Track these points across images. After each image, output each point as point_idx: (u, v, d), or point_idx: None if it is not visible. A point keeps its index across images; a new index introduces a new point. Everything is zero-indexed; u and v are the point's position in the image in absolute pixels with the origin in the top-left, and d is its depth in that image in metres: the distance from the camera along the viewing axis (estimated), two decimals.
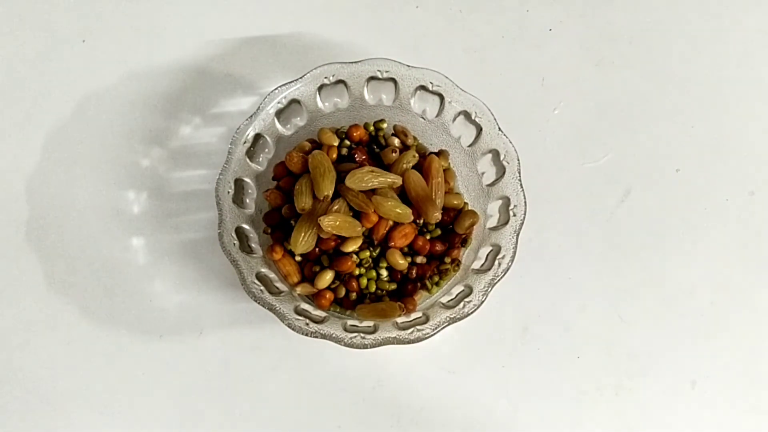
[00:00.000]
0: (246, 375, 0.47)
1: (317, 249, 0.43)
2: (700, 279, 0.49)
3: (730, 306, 0.49)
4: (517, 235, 0.43)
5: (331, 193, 0.42)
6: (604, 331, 0.48)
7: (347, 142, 0.45)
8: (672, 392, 0.48)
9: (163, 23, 0.51)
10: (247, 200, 0.45)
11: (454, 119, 0.46)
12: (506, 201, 0.44)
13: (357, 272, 0.44)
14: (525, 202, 0.44)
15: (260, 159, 0.46)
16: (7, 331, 0.48)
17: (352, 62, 0.45)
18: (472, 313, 0.42)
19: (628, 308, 0.48)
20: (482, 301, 0.42)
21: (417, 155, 0.45)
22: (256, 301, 0.41)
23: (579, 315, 0.48)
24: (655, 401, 0.48)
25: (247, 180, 0.45)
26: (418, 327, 0.42)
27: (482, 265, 0.44)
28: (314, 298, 0.44)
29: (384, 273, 0.44)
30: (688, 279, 0.49)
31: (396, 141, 0.46)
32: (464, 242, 0.46)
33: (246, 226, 0.44)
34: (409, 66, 0.45)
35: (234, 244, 0.43)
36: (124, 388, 0.47)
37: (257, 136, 0.45)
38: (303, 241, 0.42)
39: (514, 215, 0.44)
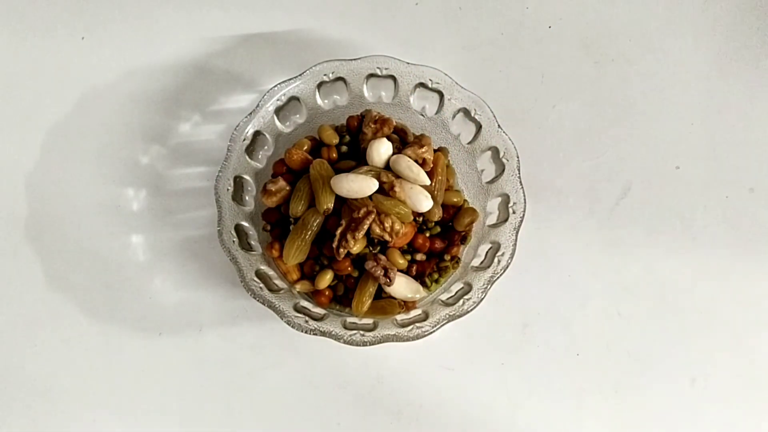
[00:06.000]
0: (245, 372, 0.47)
1: (316, 247, 0.43)
2: (699, 276, 0.49)
3: (730, 303, 0.49)
4: (517, 232, 0.43)
5: (331, 206, 0.42)
6: (604, 329, 0.48)
7: (347, 138, 0.45)
8: (671, 389, 0.48)
9: (163, 20, 0.51)
10: (247, 197, 0.45)
11: (454, 116, 0.46)
12: (506, 198, 0.44)
13: (356, 273, 0.44)
14: (524, 200, 0.44)
15: (259, 156, 0.46)
16: (6, 330, 0.48)
17: (351, 59, 0.45)
18: (471, 310, 0.42)
19: (628, 305, 0.48)
20: (482, 299, 0.42)
21: None
22: (255, 298, 0.41)
23: (578, 312, 0.48)
24: (655, 398, 0.48)
25: (247, 177, 0.45)
26: (418, 324, 0.42)
27: (482, 262, 0.44)
28: (314, 296, 0.44)
29: None
30: (687, 276, 0.49)
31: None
32: (464, 239, 0.46)
33: (245, 224, 0.44)
34: (408, 63, 0.45)
35: (233, 241, 0.43)
36: (124, 385, 0.47)
37: (256, 134, 0.45)
38: (294, 255, 0.42)
39: (514, 212, 0.44)
